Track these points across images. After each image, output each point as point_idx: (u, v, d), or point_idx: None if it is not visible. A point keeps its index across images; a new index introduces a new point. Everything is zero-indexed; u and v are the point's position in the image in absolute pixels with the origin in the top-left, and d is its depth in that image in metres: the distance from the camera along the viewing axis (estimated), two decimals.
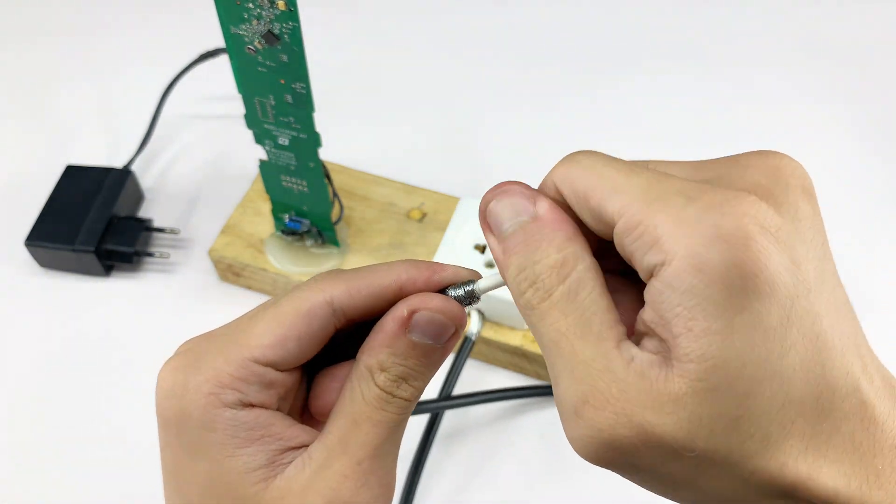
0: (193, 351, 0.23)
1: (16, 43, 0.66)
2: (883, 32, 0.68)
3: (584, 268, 0.20)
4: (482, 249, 0.46)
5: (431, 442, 0.42)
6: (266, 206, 0.50)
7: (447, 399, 0.43)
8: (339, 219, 0.48)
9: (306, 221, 0.47)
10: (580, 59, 0.65)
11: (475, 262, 0.45)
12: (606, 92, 0.63)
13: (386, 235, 0.50)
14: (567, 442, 0.20)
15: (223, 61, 0.55)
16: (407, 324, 0.22)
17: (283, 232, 0.48)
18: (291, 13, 0.33)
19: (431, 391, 0.44)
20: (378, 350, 0.22)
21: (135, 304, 0.50)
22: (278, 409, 0.23)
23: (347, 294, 0.22)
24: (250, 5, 0.34)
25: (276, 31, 0.34)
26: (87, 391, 0.46)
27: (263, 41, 0.35)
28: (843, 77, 0.64)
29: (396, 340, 0.22)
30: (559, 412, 0.20)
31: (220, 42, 0.37)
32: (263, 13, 0.34)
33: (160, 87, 0.57)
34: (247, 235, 0.49)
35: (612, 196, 0.19)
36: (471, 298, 0.23)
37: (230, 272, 0.50)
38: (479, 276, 0.24)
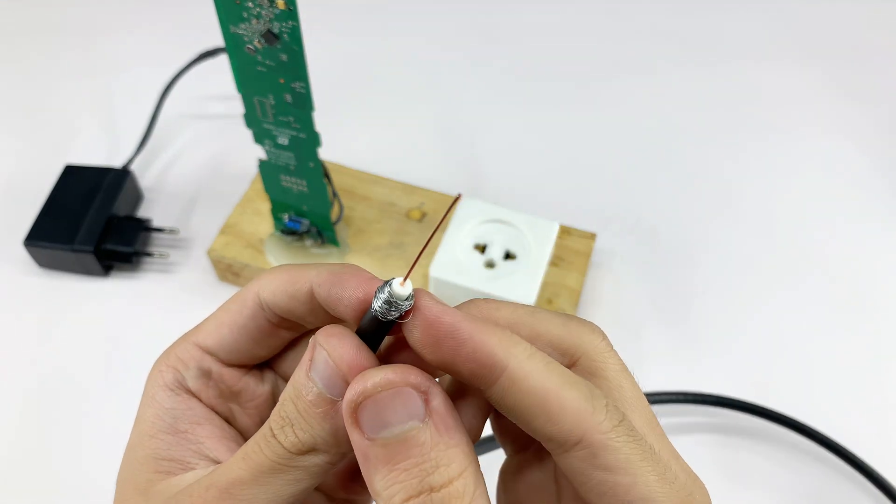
0: None
1: (15, 42, 0.66)
2: (886, 30, 0.68)
3: (481, 493, 0.17)
4: (482, 249, 0.46)
5: None
6: (265, 206, 0.50)
7: None
8: (339, 219, 0.47)
9: (306, 221, 0.47)
10: (580, 59, 0.65)
11: (475, 262, 0.45)
12: (606, 92, 0.63)
13: (386, 235, 0.50)
14: None
15: (223, 61, 0.55)
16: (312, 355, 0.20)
17: (282, 232, 0.48)
18: (291, 12, 0.33)
19: None
20: (289, 383, 0.20)
21: (134, 304, 0.50)
22: (228, 412, 0.23)
23: (270, 288, 0.22)
24: (250, 4, 0.34)
25: (276, 31, 0.34)
26: (86, 391, 0.46)
27: (263, 40, 0.35)
28: (845, 75, 0.64)
29: (300, 376, 0.20)
30: None
31: (219, 42, 0.37)
32: (263, 12, 0.34)
33: (159, 87, 0.57)
34: (246, 235, 0.49)
35: (648, 488, 0.18)
36: (390, 308, 0.18)
37: (229, 272, 0.50)
38: (390, 280, 0.18)
